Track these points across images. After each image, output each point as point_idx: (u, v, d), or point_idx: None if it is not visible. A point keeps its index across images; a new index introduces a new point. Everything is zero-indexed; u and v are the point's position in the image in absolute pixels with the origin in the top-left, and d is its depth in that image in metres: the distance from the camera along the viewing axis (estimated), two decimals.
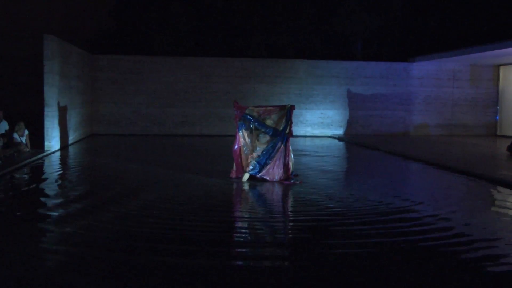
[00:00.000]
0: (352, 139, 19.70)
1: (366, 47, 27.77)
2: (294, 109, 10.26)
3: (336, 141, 20.22)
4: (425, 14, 27.62)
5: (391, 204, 8.35)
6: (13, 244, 5.89)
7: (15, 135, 13.64)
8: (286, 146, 10.11)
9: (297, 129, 21.75)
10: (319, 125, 22.08)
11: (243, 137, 10.31)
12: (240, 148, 10.32)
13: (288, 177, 10.15)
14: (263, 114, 10.23)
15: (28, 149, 13.66)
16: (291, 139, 10.46)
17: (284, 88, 21.76)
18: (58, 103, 15.18)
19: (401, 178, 12.09)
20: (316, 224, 7.09)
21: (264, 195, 9.32)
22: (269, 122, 10.20)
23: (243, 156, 10.33)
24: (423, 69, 22.67)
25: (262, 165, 10.10)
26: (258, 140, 10.24)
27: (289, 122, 10.12)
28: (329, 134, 21.93)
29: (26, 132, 13.91)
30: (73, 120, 17.17)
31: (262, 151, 10.14)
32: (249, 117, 10.23)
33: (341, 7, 26.64)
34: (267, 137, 10.19)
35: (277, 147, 10.07)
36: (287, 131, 10.09)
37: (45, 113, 14.49)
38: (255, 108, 10.35)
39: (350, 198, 8.88)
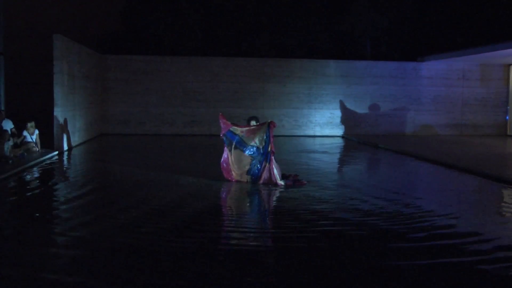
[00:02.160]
0: (362, 139, 19.63)
1: (376, 47, 27.67)
2: (274, 126, 10.04)
3: (345, 140, 20.16)
4: (435, 13, 27.49)
5: (417, 213, 7.98)
6: (23, 245, 5.92)
7: (25, 133, 13.70)
8: (270, 164, 9.92)
9: (306, 129, 21.74)
10: (328, 124, 22.03)
11: (228, 152, 10.18)
12: (227, 162, 10.19)
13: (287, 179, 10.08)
14: (246, 134, 10.09)
15: (37, 149, 13.71)
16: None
17: (293, 88, 21.73)
18: (68, 103, 15.24)
19: (418, 181, 11.90)
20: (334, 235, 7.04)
21: (267, 200, 9.27)
22: (251, 141, 10.01)
23: (231, 167, 10.18)
24: (433, 68, 22.56)
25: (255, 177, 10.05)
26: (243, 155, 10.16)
27: (269, 139, 9.91)
28: (338, 134, 21.88)
29: (36, 131, 13.95)
30: (82, 120, 17.23)
31: (251, 165, 10.06)
32: (232, 135, 10.13)
33: (350, 6, 26.57)
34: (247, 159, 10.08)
35: (262, 166, 9.93)
36: (268, 149, 9.90)
37: (55, 113, 14.52)
38: (238, 128, 10.19)
39: (374, 203, 8.79)
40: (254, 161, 9.97)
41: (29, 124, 13.79)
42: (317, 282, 4.92)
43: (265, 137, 9.93)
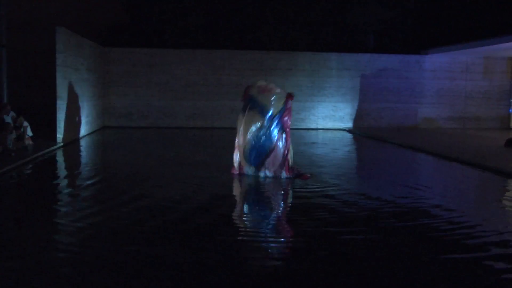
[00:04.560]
0: (365, 132, 19.60)
1: (379, 39, 27.58)
2: (291, 98, 9.69)
3: (348, 134, 20.13)
4: (438, 6, 27.38)
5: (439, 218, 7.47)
6: (25, 237, 5.93)
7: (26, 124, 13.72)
8: (284, 139, 9.60)
9: (309, 122, 21.70)
10: (331, 117, 22.00)
11: (242, 117, 9.78)
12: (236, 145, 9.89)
13: (292, 171, 9.75)
14: (262, 91, 9.68)
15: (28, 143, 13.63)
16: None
17: (296, 80, 21.69)
18: (70, 96, 15.25)
19: (428, 176, 11.86)
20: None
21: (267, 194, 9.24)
22: (266, 103, 9.57)
23: (237, 143, 9.86)
24: (436, 61, 22.49)
25: (256, 160, 9.65)
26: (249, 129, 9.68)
27: (284, 110, 9.58)
28: (341, 127, 21.85)
29: (25, 123, 13.77)
30: (85, 112, 17.23)
31: (251, 142, 9.60)
32: (250, 99, 9.72)
33: None
34: (258, 124, 9.58)
35: (268, 148, 9.53)
36: (281, 118, 9.53)
37: (57, 105, 14.54)
38: (257, 84, 9.86)
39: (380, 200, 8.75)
40: (261, 133, 9.53)
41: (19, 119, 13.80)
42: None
43: (280, 107, 9.57)
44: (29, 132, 13.74)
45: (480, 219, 7.07)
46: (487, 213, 7.46)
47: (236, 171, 9.97)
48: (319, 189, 8.79)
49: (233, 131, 10.18)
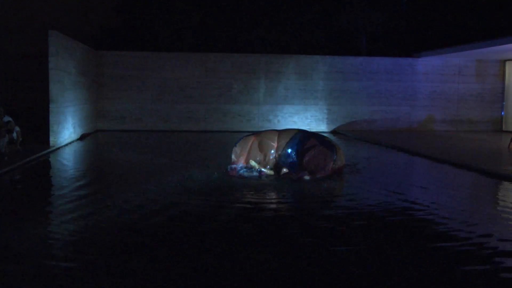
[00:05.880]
0: (358, 135, 19.62)
1: (371, 42, 27.68)
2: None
3: (341, 136, 20.12)
4: (431, 9, 27.51)
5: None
6: (19, 240, 5.90)
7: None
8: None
9: (302, 125, 21.69)
10: (323, 120, 22.03)
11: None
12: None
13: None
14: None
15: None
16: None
17: (289, 83, 21.71)
18: (63, 99, 15.20)
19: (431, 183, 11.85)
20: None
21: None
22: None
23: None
24: (429, 64, 22.56)
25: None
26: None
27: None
28: (333, 130, 21.85)
29: (17, 128, 13.69)
30: (78, 116, 17.18)
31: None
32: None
33: (346, 2, 26.56)
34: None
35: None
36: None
37: (50, 109, 14.49)
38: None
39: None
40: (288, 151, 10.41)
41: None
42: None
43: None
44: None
45: None
46: None
47: (233, 173, 10.12)
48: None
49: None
